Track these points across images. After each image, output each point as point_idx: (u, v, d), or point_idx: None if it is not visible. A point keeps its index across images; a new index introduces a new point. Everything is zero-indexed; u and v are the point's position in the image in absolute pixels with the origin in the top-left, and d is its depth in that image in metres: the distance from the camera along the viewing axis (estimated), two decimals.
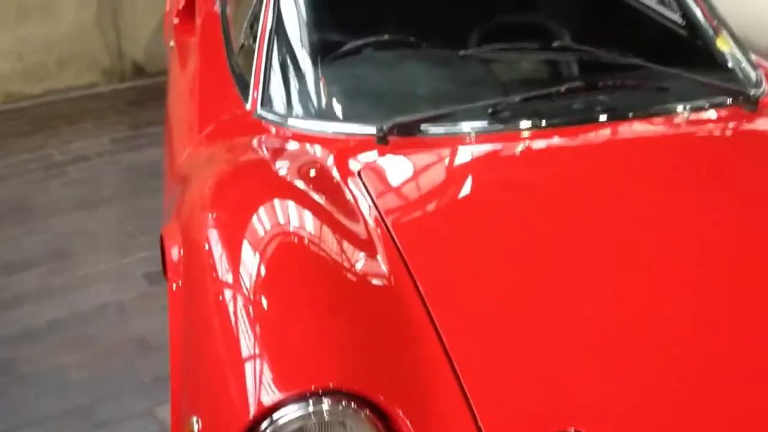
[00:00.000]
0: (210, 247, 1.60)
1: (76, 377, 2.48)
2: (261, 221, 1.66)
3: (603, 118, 1.98)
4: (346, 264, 1.56)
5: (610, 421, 1.31)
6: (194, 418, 1.34)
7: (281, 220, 1.69)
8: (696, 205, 1.76)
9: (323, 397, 1.25)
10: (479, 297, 1.50)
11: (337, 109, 2.12)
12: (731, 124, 2.04)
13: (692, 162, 1.91)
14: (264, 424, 1.23)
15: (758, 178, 1.82)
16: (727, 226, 1.70)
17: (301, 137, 1.99)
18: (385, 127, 1.88)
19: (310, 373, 1.29)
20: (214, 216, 1.70)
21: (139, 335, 2.63)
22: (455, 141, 1.90)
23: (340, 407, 1.25)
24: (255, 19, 2.35)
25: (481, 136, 1.91)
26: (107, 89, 4.51)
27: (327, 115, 2.08)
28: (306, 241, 1.62)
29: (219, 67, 2.50)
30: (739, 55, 2.27)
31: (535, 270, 1.57)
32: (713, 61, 2.28)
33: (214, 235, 1.63)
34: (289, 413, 1.24)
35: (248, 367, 1.32)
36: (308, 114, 2.08)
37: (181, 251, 1.65)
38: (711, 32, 2.33)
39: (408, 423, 1.27)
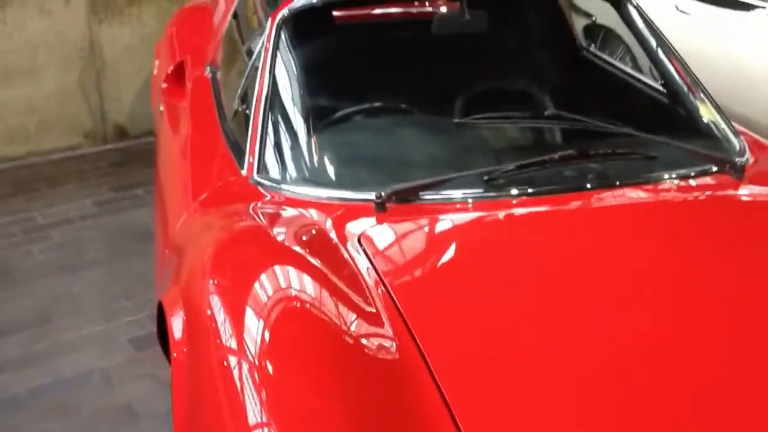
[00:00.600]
0: (212, 314, 1.59)
1: None
2: (263, 287, 1.66)
3: (594, 185, 2.02)
4: (350, 329, 1.56)
5: None
6: None
7: (283, 285, 1.69)
8: (686, 271, 1.79)
9: None
10: (486, 364, 1.51)
11: (333, 174, 2.15)
12: (719, 192, 2.09)
13: (683, 229, 1.94)
14: None
15: (750, 243, 1.86)
16: (717, 292, 1.73)
17: (298, 203, 2.01)
18: (383, 194, 1.91)
19: None
20: (215, 282, 1.69)
21: (125, 402, 2.59)
22: (453, 208, 1.93)
23: None
24: (249, 85, 2.39)
25: (478, 203, 1.94)
26: (90, 151, 4.52)
27: (323, 181, 2.10)
28: (308, 306, 1.62)
29: (212, 132, 2.52)
30: (722, 123, 2.34)
31: (537, 337, 1.58)
32: (697, 129, 2.36)
33: (216, 301, 1.63)
34: None
35: None
36: (304, 180, 2.10)
37: (184, 318, 1.64)
38: (694, 100, 2.41)
39: None
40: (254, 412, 1.36)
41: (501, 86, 2.80)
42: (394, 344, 1.53)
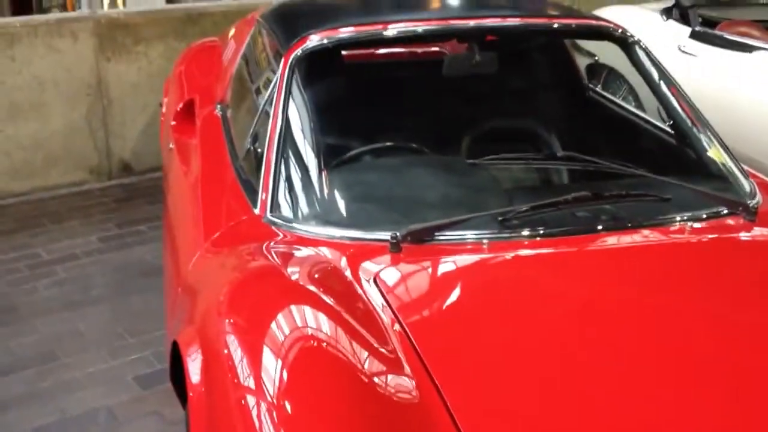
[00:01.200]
0: (230, 353, 1.59)
1: None
2: (279, 326, 1.66)
3: (607, 227, 2.03)
4: (367, 369, 1.55)
5: None
6: None
7: (299, 325, 1.69)
8: (700, 315, 1.79)
9: None
10: (504, 406, 1.51)
11: (346, 214, 2.15)
12: (733, 234, 2.10)
13: (697, 272, 1.95)
14: None
15: (766, 286, 1.86)
16: (732, 337, 1.72)
17: (312, 242, 2.01)
18: (399, 235, 1.91)
19: None
20: (232, 322, 1.69)
21: None
22: (468, 249, 1.93)
23: None
24: (261, 124, 2.40)
25: (493, 244, 1.94)
26: (94, 187, 4.52)
27: (336, 220, 2.10)
28: (326, 346, 1.62)
29: (223, 170, 2.53)
30: (732, 164, 2.35)
31: (553, 380, 1.58)
32: (707, 171, 2.37)
33: (233, 341, 1.62)
34: None
35: None
36: (318, 219, 2.10)
37: (201, 358, 1.63)
38: (704, 142, 2.43)
39: None
40: None
41: (510, 126, 2.83)
42: (413, 384, 1.53)
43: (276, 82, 2.38)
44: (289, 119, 2.28)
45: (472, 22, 2.57)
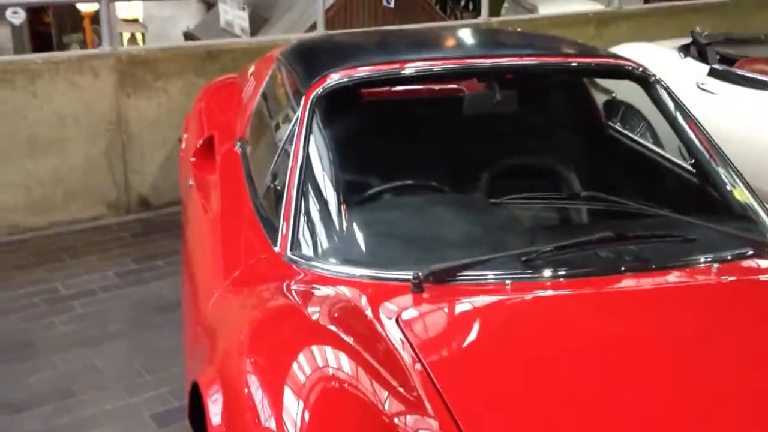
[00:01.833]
0: (251, 393, 1.58)
1: None
2: (300, 366, 1.65)
3: (631, 268, 2.01)
4: (389, 410, 1.54)
5: None
6: None
7: (320, 365, 1.67)
8: (724, 357, 1.75)
9: None
10: None
11: (367, 253, 2.14)
12: (759, 276, 2.07)
13: (724, 314, 1.92)
14: None
15: None
16: (757, 380, 1.69)
17: (333, 281, 2.00)
18: (421, 275, 1.89)
19: None
20: (253, 362, 1.68)
21: None
22: (490, 289, 1.91)
23: None
24: (281, 161, 2.41)
25: (516, 284, 1.92)
26: (112, 222, 4.54)
27: (357, 259, 2.09)
28: (347, 386, 1.60)
29: (243, 208, 2.53)
30: (755, 204, 2.33)
31: (577, 421, 1.56)
32: (731, 211, 2.35)
33: (254, 381, 1.61)
34: None
35: None
36: (339, 258, 2.09)
37: (222, 399, 1.62)
38: (727, 181, 2.40)
39: None
40: None
41: (530, 164, 2.82)
42: (435, 426, 1.51)
43: (296, 120, 2.39)
44: (310, 157, 2.28)
45: (490, 61, 2.57)
